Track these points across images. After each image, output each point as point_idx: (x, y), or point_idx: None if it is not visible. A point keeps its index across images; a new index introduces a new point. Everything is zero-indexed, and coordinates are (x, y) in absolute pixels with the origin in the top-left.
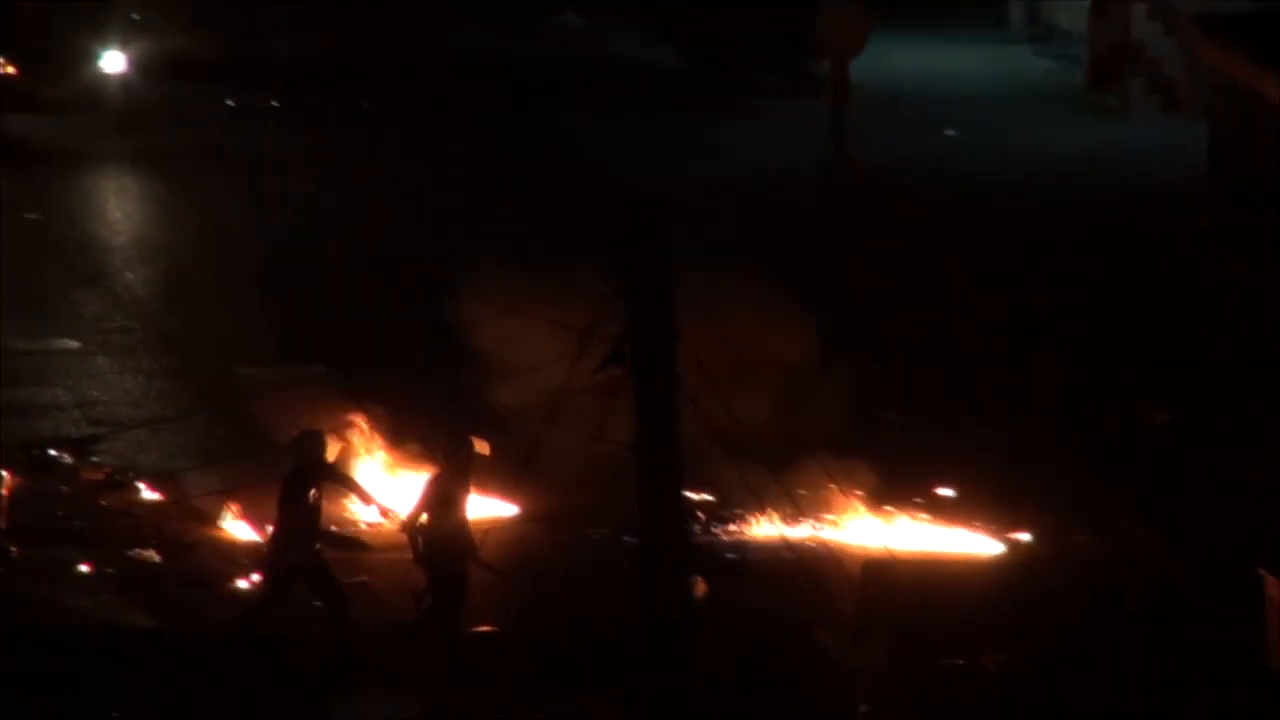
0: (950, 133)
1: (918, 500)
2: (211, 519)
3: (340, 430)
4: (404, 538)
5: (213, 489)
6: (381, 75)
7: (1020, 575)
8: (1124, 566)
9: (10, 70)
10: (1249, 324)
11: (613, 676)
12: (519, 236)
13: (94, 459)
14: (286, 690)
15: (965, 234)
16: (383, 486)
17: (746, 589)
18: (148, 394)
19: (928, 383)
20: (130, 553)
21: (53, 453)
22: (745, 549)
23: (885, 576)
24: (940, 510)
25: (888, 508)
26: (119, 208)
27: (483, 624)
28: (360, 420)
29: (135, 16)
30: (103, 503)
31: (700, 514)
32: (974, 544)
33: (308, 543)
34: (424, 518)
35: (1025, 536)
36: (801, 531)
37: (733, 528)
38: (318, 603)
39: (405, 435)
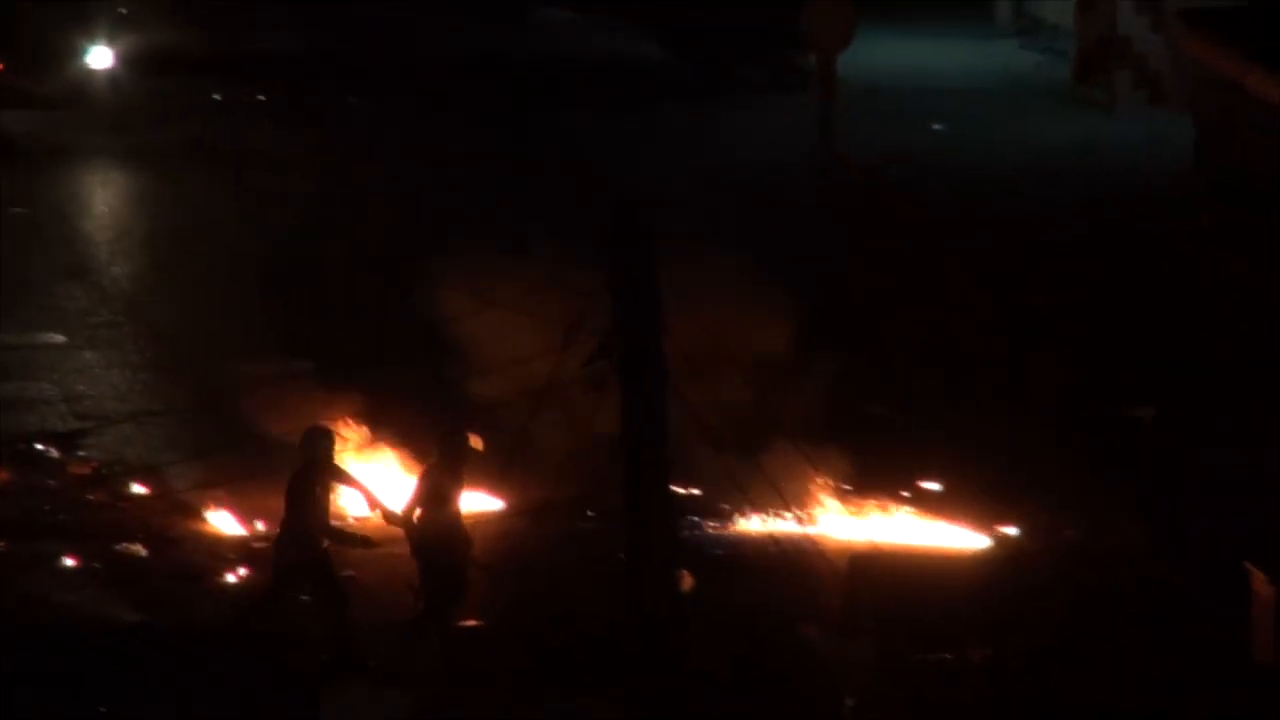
0: (937, 127)
1: (905, 495)
2: (198, 513)
3: (333, 425)
4: (393, 531)
5: (199, 483)
6: (369, 71)
7: (1008, 570)
8: (1112, 561)
9: None
10: (1246, 322)
11: (602, 673)
12: (507, 231)
13: (80, 453)
14: (276, 686)
15: (955, 229)
16: (376, 482)
17: (734, 584)
18: (134, 388)
19: (917, 377)
20: (116, 547)
21: (39, 447)
22: (732, 543)
23: (872, 571)
24: (927, 504)
25: (875, 502)
26: (106, 202)
27: (470, 619)
28: (350, 416)
29: (123, 11)
30: (89, 497)
31: (687, 508)
32: (961, 538)
33: (314, 539)
34: (417, 513)
35: (1013, 531)
36: (788, 526)
37: (719, 522)
38: (305, 597)
39: (396, 430)
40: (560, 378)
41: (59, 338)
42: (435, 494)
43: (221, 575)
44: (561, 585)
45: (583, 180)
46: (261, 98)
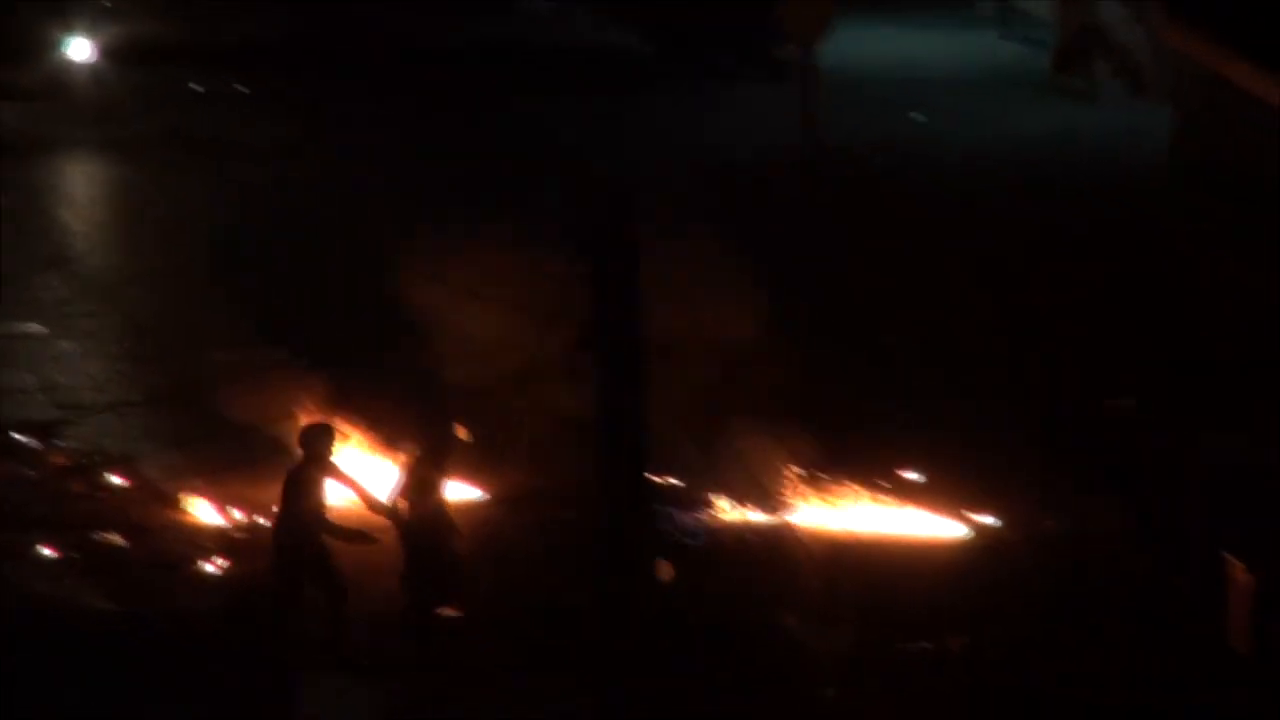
0: (919, 117)
1: (884, 484)
2: (176, 503)
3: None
4: (380, 523)
5: (178, 473)
6: (348, 61)
7: (987, 559)
8: (1091, 551)
9: None
10: (1229, 311)
11: (580, 664)
12: (489, 220)
13: (59, 443)
14: (257, 677)
15: (938, 219)
16: (364, 475)
17: (713, 573)
18: (112, 378)
19: (896, 366)
20: (95, 537)
21: (17, 437)
22: (710, 532)
23: (851, 560)
24: (907, 494)
25: (854, 491)
26: (85, 193)
27: (451, 609)
28: (331, 407)
29: (107, 3)
30: (67, 487)
31: (666, 498)
32: (941, 528)
33: (312, 535)
34: (402, 504)
35: (992, 520)
36: (768, 515)
37: (698, 512)
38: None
39: (377, 420)
40: (540, 366)
41: (37, 327)
42: (422, 484)
43: (200, 565)
44: (540, 575)
45: (564, 170)
46: (242, 89)
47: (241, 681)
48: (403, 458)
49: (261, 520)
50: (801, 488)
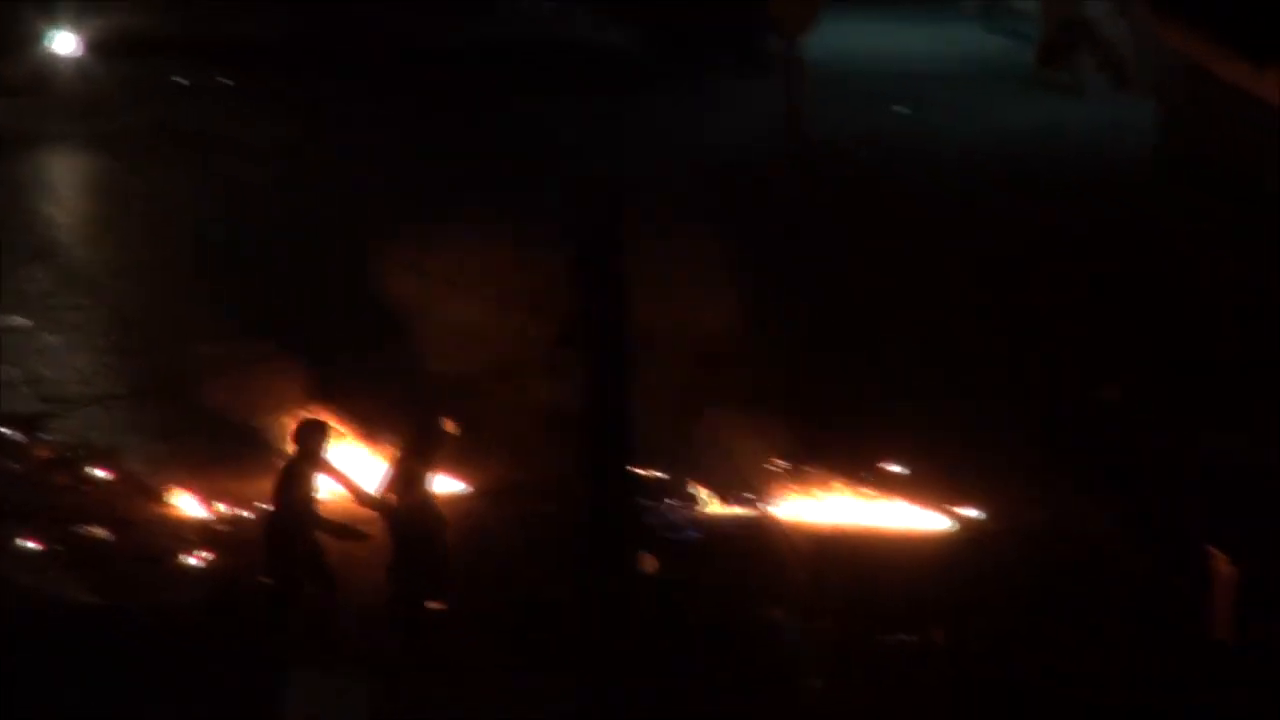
0: (903, 110)
1: (869, 476)
2: (162, 496)
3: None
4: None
5: (163, 466)
6: (344, 60)
7: (971, 552)
8: (1075, 543)
9: None
10: (1223, 305)
11: (563, 658)
12: (475, 215)
13: (44, 436)
14: (242, 670)
15: (925, 212)
16: (354, 469)
17: (697, 566)
18: (98, 371)
19: (882, 360)
20: (80, 530)
21: (2, 430)
22: (695, 525)
23: (836, 553)
24: (891, 486)
25: (839, 484)
26: (71, 186)
27: (435, 602)
28: (317, 401)
29: None
30: (53, 480)
31: (650, 490)
32: (925, 520)
33: (305, 531)
34: (390, 497)
35: (976, 513)
36: (752, 508)
37: (683, 505)
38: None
39: (364, 413)
40: (527, 360)
41: (22, 320)
42: (409, 477)
43: (185, 559)
44: (524, 569)
45: (557, 167)
46: (227, 82)
47: (227, 676)
48: (390, 451)
49: (246, 514)
50: (787, 481)
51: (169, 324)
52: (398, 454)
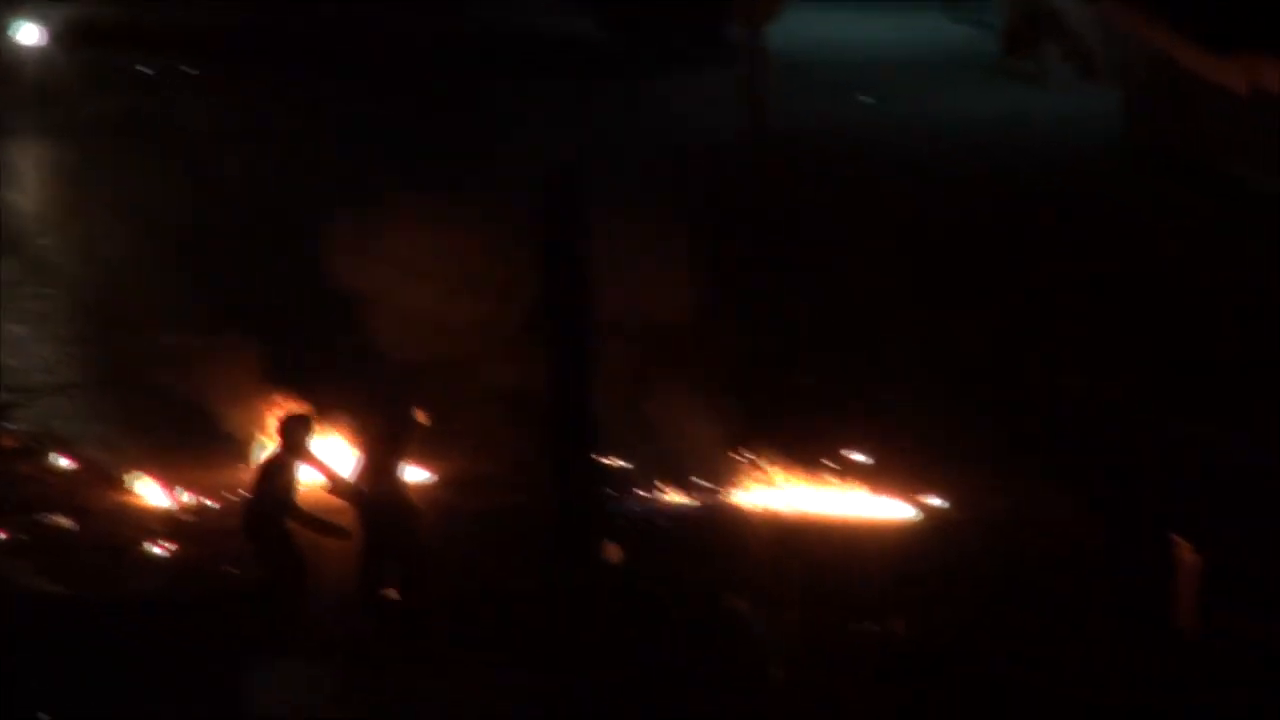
0: (867, 99)
1: (832, 465)
2: (126, 486)
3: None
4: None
5: (127, 456)
6: (301, 46)
7: (935, 541)
8: (1039, 532)
9: None
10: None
11: (529, 647)
12: (440, 203)
13: (7, 426)
14: (206, 660)
15: (889, 201)
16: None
17: (662, 556)
18: (62, 361)
19: (845, 348)
20: (43, 519)
21: None
22: (660, 515)
23: (800, 542)
24: (855, 475)
25: (802, 473)
26: (36, 176)
27: (408, 591)
28: (284, 389)
29: None
30: (16, 469)
31: (615, 480)
32: (889, 509)
33: (279, 518)
34: (362, 486)
35: (940, 502)
36: (716, 497)
37: (648, 494)
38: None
39: (331, 402)
40: (491, 347)
41: None
42: (381, 467)
43: (149, 548)
44: (488, 557)
45: (515, 152)
46: (191, 71)
47: (193, 665)
48: (362, 440)
49: (210, 503)
50: (752, 470)
51: (133, 313)
52: (370, 443)
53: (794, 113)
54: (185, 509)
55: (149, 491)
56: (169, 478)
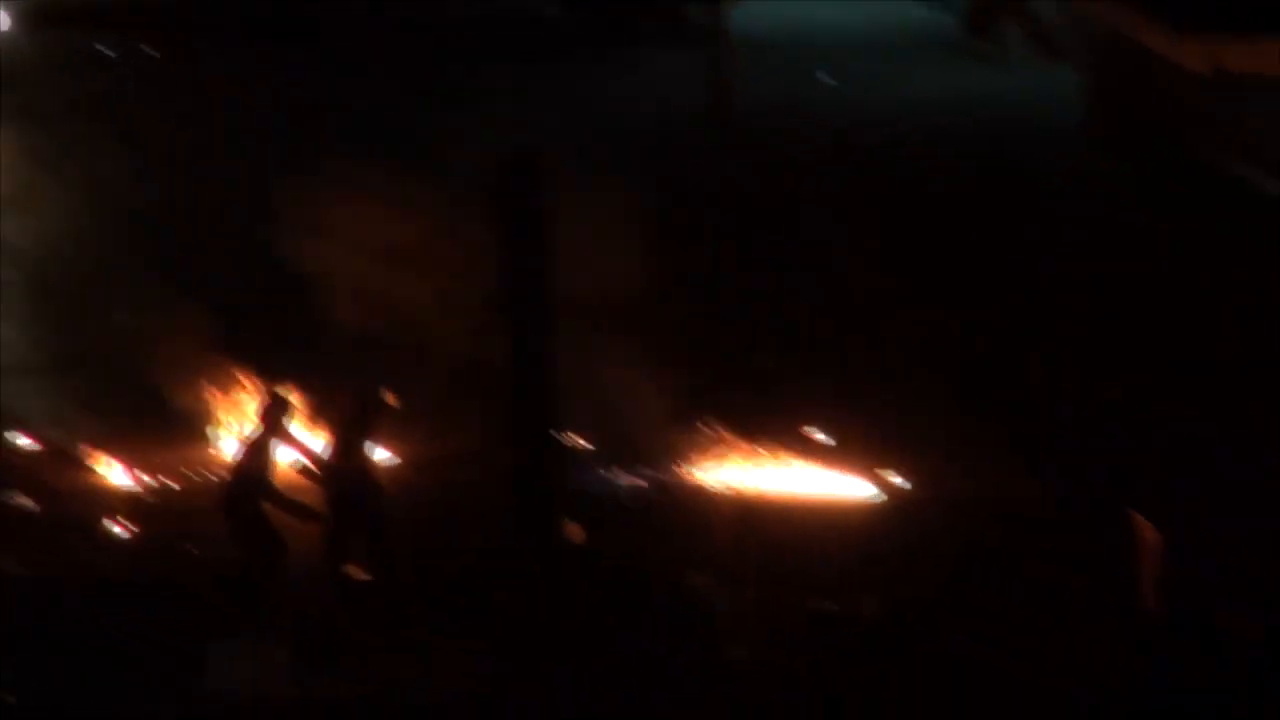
0: (827, 80)
1: (793, 444)
2: (88, 466)
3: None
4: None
5: (90, 436)
6: (261, 27)
7: (897, 520)
8: (1002, 512)
9: None
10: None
11: (488, 623)
12: (399, 184)
13: None
14: (166, 637)
15: (851, 181)
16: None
17: (623, 534)
18: (24, 342)
19: (806, 328)
20: (6, 499)
21: None
22: (620, 492)
23: (761, 521)
24: (816, 454)
25: (764, 452)
26: None
27: (360, 570)
28: (247, 369)
29: None
30: None
31: (577, 459)
32: (850, 488)
33: (256, 498)
34: (330, 465)
35: (901, 481)
36: (677, 475)
37: (607, 471)
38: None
39: (298, 384)
40: (450, 326)
41: None
42: (348, 446)
43: (111, 527)
44: (450, 535)
45: (474, 132)
46: (153, 53)
47: (155, 644)
48: (330, 421)
49: (171, 483)
50: (713, 448)
51: (94, 293)
52: (338, 424)
53: (756, 92)
54: (147, 489)
55: (111, 471)
56: (132, 458)
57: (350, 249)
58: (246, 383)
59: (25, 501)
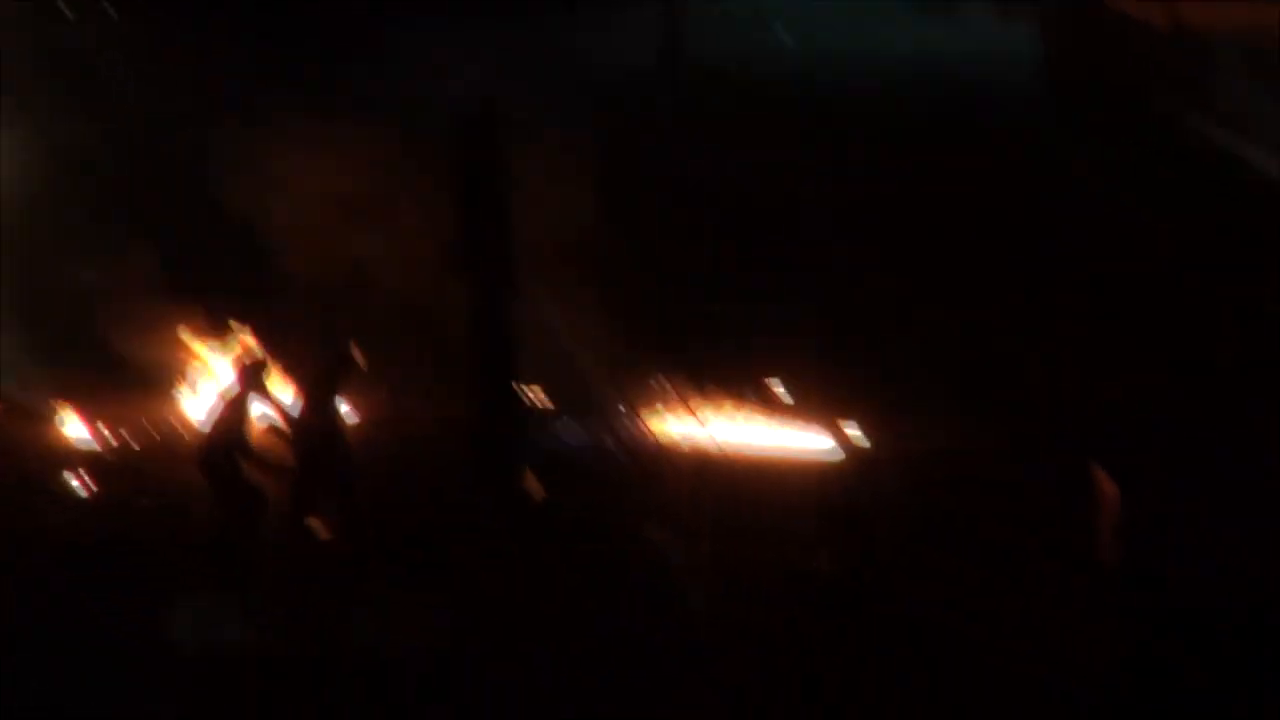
0: (782, 34)
1: (751, 399)
2: (47, 422)
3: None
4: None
5: (48, 393)
6: None
7: (855, 475)
8: (959, 466)
9: None
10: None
11: (446, 578)
12: (357, 143)
13: None
14: (131, 594)
15: (810, 143)
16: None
17: (581, 489)
18: None
19: (763, 280)
20: None
21: None
22: (580, 450)
23: (718, 475)
24: (774, 409)
25: (721, 406)
26: None
27: (326, 530)
28: (212, 327)
29: None
30: None
31: (534, 413)
32: (811, 443)
33: (233, 455)
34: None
35: (859, 435)
36: (636, 430)
37: (568, 429)
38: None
39: (261, 340)
40: (410, 285)
41: None
42: (317, 404)
43: (71, 485)
44: (410, 491)
45: (428, 89)
46: (111, 12)
47: (122, 598)
48: (300, 378)
49: (132, 442)
50: (672, 403)
51: (53, 249)
52: (306, 381)
53: (710, 47)
54: (106, 446)
55: (72, 428)
56: (91, 414)
57: (308, 203)
58: (206, 340)
59: None
